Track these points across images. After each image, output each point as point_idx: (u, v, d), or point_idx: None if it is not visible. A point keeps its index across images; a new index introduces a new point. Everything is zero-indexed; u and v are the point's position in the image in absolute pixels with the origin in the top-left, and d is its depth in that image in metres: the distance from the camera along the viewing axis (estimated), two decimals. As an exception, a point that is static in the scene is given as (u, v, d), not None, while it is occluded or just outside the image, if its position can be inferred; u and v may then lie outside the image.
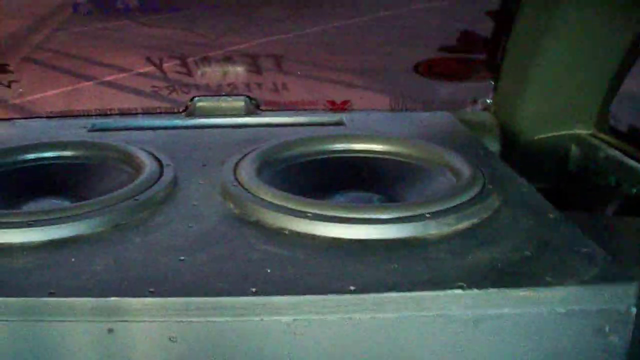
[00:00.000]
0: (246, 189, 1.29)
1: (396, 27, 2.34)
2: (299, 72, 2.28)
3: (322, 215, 1.17)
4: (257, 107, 2.10)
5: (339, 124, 1.88)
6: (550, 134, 2.02)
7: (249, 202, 1.25)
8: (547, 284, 1.00)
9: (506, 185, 1.38)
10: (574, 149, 1.99)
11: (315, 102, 2.19)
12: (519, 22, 1.87)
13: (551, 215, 1.24)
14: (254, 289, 0.99)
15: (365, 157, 1.56)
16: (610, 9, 1.74)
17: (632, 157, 1.76)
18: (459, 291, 0.98)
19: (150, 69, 2.23)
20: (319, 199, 1.35)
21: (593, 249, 1.10)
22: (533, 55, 1.88)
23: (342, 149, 1.57)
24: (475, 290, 0.98)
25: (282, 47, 2.26)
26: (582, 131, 1.98)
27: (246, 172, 1.36)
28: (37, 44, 2.60)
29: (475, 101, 2.17)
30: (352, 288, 0.99)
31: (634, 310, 1.01)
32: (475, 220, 1.21)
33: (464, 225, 1.19)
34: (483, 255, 1.09)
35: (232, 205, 1.28)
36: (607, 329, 1.01)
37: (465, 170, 1.37)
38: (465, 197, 1.24)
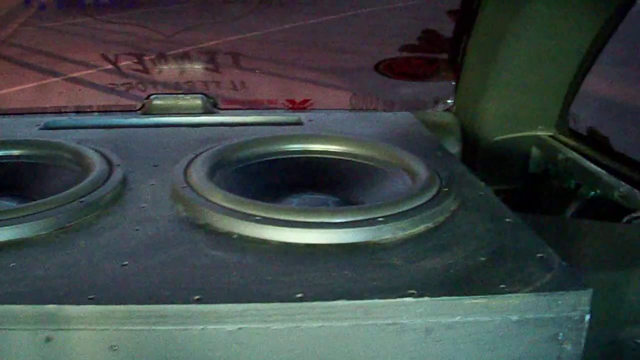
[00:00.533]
0: (195, 191, 1.25)
1: (360, 26, 2.32)
2: (257, 71, 2.24)
3: (271, 219, 1.14)
4: (215, 105, 2.06)
5: (297, 123, 1.85)
6: (511, 135, 2.01)
7: (198, 204, 1.21)
8: (501, 292, 0.97)
9: (463, 187, 1.36)
10: (535, 151, 1.98)
11: (275, 101, 2.15)
12: (479, 23, 1.86)
13: (508, 220, 1.22)
14: (197, 297, 0.95)
15: (321, 158, 1.53)
16: (570, 11, 1.74)
17: (590, 160, 1.76)
18: (410, 299, 0.95)
19: (111, 66, 2.18)
20: (272, 202, 1.31)
21: (549, 254, 1.08)
22: (493, 56, 1.86)
23: (297, 149, 1.54)
24: (427, 298, 0.95)
25: (244, 45, 2.22)
26: (543, 133, 1.97)
27: (197, 173, 1.32)
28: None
29: (437, 101, 2.15)
30: (299, 295, 0.95)
31: (587, 317, 0.99)
32: (430, 224, 1.18)
33: (418, 229, 1.16)
34: (437, 261, 1.07)
35: (181, 208, 1.24)
36: (561, 336, 0.99)
37: (422, 172, 1.35)
38: (420, 200, 1.22)
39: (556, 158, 1.87)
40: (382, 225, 1.13)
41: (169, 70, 2.14)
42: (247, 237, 1.13)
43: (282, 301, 0.95)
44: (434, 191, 1.27)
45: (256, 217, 1.14)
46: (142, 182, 1.37)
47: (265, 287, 0.98)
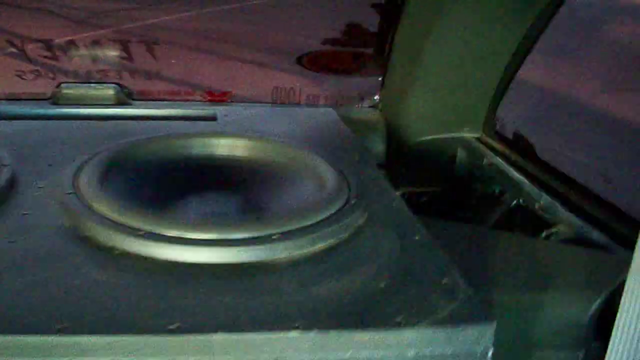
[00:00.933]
0: (81, 198, 1.13)
1: (283, 15, 2.19)
2: (173, 61, 2.11)
3: (156, 234, 1.03)
4: (129, 96, 1.92)
5: (211, 118, 1.73)
6: (437, 136, 1.93)
7: (82, 214, 1.09)
8: (396, 326, 0.88)
9: (375, 198, 1.27)
10: (460, 153, 1.91)
11: (193, 92, 2.03)
12: (404, 19, 1.77)
13: (417, 238, 1.14)
14: (61, 326, 0.83)
15: (226, 160, 1.42)
16: (498, 11, 1.66)
17: (514, 166, 1.69)
18: (294, 333, 0.86)
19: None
20: (167, 209, 1.20)
21: (454, 281, 1.00)
22: (419, 54, 1.78)
23: (202, 150, 1.42)
24: (313, 334, 0.86)
25: (157, 32, 2.08)
26: (469, 135, 1.90)
27: (88, 177, 1.19)
28: None
29: (362, 98, 2.06)
30: (174, 326, 0.85)
31: (490, 352, 0.91)
32: (332, 242, 1.09)
33: (318, 247, 1.07)
34: (332, 286, 0.97)
35: (65, 217, 1.11)
36: None
37: (330, 179, 1.25)
38: (323, 214, 1.12)
39: (481, 162, 1.80)
40: (276, 243, 1.03)
41: (81, 58, 1.98)
42: (130, 253, 1.01)
43: (154, 333, 0.84)
44: (340, 203, 1.17)
45: (139, 231, 1.03)
46: (30, 185, 1.23)
47: (139, 315, 0.87)
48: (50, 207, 1.15)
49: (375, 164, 1.54)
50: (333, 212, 1.14)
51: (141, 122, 1.63)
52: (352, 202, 1.19)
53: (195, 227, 1.05)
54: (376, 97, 2.04)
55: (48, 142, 1.45)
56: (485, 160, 1.78)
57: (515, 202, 1.65)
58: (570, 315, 1.15)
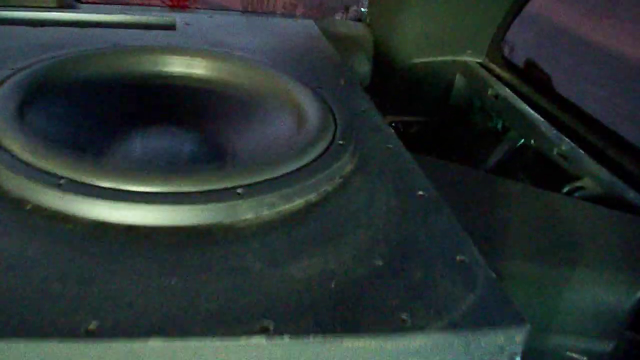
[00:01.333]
0: None
1: None
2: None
3: (81, 183, 0.77)
4: None
5: (168, 27, 1.44)
6: (432, 59, 1.66)
7: None
8: (400, 328, 0.65)
9: (366, 136, 1.02)
10: (459, 79, 1.64)
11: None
12: None
13: (420, 193, 0.89)
14: None
15: (181, 82, 1.14)
16: None
17: (524, 100, 1.43)
18: (260, 339, 0.61)
19: None
20: (98, 151, 0.93)
21: (472, 258, 0.76)
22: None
23: (151, 68, 1.14)
24: (286, 339, 0.62)
25: None
26: (470, 58, 1.63)
27: (2, 102, 0.91)
28: None
29: (347, 8, 1.77)
30: (92, 327, 0.60)
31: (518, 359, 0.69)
32: (311, 198, 0.84)
33: (293, 205, 0.82)
34: (311, 265, 0.72)
35: None
36: None
37: (310, 110, 0.99)
38: (302, 160, 0.87)
39: (483, 91, 1.54)
40: (240, 201, 0.78)
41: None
42: (45, 209, 0.75)
43: (62, 336, 0.59)
44: (323, 144, 0.92)
45: (59, 180, 0.77)
46: None
47: (45, 308, 0.62)
48: None
49: (362, 89, 1.28)
50: (316, 155, 0.89)
51: (85, 30, 1.33)
52: (339, 142, 0.94)
53: (133, 175, 0.79)
54: (363, 8, 1.75)
55: None
56: (488, 89, 1.52)
57: (523, 141, 1.40)
58: (605, 299, 0.93)
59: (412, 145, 1.31)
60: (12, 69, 1.03)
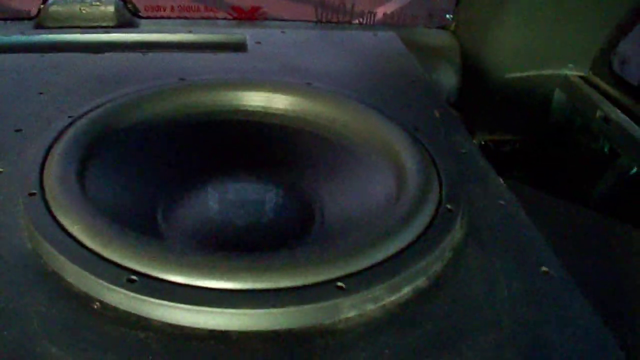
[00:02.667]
0: (48, 206, 0.75)
1: None
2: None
3: (152, 278, 0.66)
4: (135, 13, 1.52)
5: (239, 47, 1.32)
6: (529, 73, 1.50)
7: (47, 236, 0.71)
8: None
9: (473, 191, 0.88)
10: (558, 95, 1.48)
11: (215, 8, 1.60)
12: None
13: (544, 269, 0.76)
14: None
15: (260, 122, 1.02)
16: None
17: (637, 121, 1.27)
18: None
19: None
20: (168, 214, 0.83)
21: (610, 342, 0.63)
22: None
23: (226, 106, 1.02)
24: None
25: None
26: (572, 73, 1.47)
27: (60, 162, 0.81)
28: None
29: (431, 15, 1.62)
30: None
31: None
32: (419, 284, 0.71)
33: (399, 297, 0.69)
34: None
35: (26, 234, 0.74)
36: None
37: (413, 166, 0.85)
38: (407, 235, 0.74)
39: (587, 108, 1.38)
40: (341, 299, 0.66)
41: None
42: (113, 308, 0.65)
43: None
44: (430, 212, 0.79)
45: (130, 275, 0.66)
46: None
47: None
48: (7, 210, 0.77)
49: (460, 120, 1.14)
50: (421, 229, 0.76)
51: (147, 55, 1.22)
52: (447, 206, 0.81)
53: (216, 268, 0.67)
54: (448, 15, 1.60)
55: (18, 91, 1.05)
56: (595, 108, 1.36)
57: (635, 170, 1.25)
58: None
59: (505, 166, 1.18)
60: (71, 116, 0.93)
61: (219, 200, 0.92)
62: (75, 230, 0.70)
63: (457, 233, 0.78)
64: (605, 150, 1.34)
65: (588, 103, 1.38)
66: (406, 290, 0.69)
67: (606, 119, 1.30)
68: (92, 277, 0.65)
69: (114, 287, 0.64)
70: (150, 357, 0.59)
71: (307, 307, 0.64)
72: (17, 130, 0.93)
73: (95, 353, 0.59)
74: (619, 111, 1.31)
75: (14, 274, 0.68)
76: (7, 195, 0.79)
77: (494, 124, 1.13)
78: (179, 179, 0.92)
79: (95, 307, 0.64)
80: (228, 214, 0.89)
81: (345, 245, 0.71)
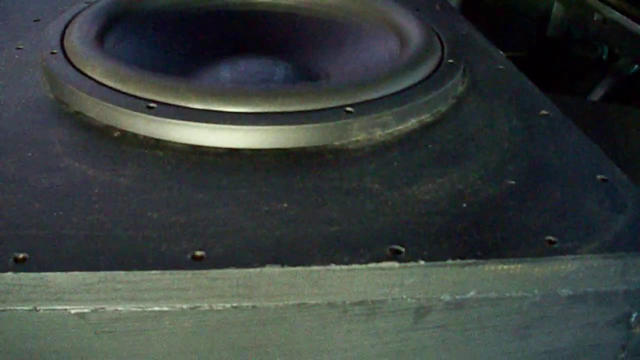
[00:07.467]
0: (69, 60, 0.80)
1: None
2: None
3: (172, 106, 0.70)
4: None
5: None
6: None
7: (68, 80, 0.76)
8: (547, 251, 0.56)
9: (474, 58, 0.92)
10: (557, 8, 1.51)
11: None
12: None
13: (544, 112, 0.80)
14: (22, 255, 0.52)
15: (271, 8, 1.06)
16: None
17: (637, 21, 1.30)
18: (392, 264, 0.54)
19: None
20: (187, 74, 0.87)
21: (616, 177, 0.67)
22: None
23: None
24: (422, 264, 0.54)
25: None
26: None
27: (81, 30, 0.85)
28: None
29: None
30: (199, 254, 0.53)
31: None
32: (424, 119, 0.75)
33: (406, 126, 0.74)
34: (435, 187, 0.64)
35: (47, 87, 0.79)
36: (633, 318, 0.60)
37: (415, 31, 0.90)
38: (412, 78, 0.78)
39: (587, 16, 1.41)
40: (349, 120, 0.70)
41: None
42: (133, 135, 0.69)
43: (168, 266, 0.52)
44: (433, 62, 0.83)
45: (149, 103, 0.70)
46: (6, 46, 0.91)
47: (144, 238, 0.55)
48: (30, 73, 0.83)
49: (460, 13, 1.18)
50: (426, 74, 0.80)
51: None
52: (450, 61, 0.85)
53: (232, 94, 0.71)
54: None
55: None
56: (593, 14, 1.39)
57: (636, 68, 1.28)
58: None
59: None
60: (88, 2, 0.98)
61: (231, 70, 0.96)
62: (95, 73, 0.74)
63: (459, 83, 0.82)
64: (604, 57, 1.38)
65: (588, 11, 1.41)
66: (412, 121, 0.73)
67: (604, 20, 1.33)
68: (112, 107, 0.69)
69: (134, 112, 0.68)
70: (169, 168, 0.64)
71: (316, 126, 0.68)
72: (35, 20, 0.98)
73: (115, 166, 0.64)
74: (618, 14, 1.33)
75: (37, 116, 0.73)
76: (27, 62, 0.84)
77: (492, 41, 1.15)
78: (192, 58, 0.96)
79: (116, 135, 0.69)
80: (241, 76, 0.93)
81: (354, 79, 0.75)
